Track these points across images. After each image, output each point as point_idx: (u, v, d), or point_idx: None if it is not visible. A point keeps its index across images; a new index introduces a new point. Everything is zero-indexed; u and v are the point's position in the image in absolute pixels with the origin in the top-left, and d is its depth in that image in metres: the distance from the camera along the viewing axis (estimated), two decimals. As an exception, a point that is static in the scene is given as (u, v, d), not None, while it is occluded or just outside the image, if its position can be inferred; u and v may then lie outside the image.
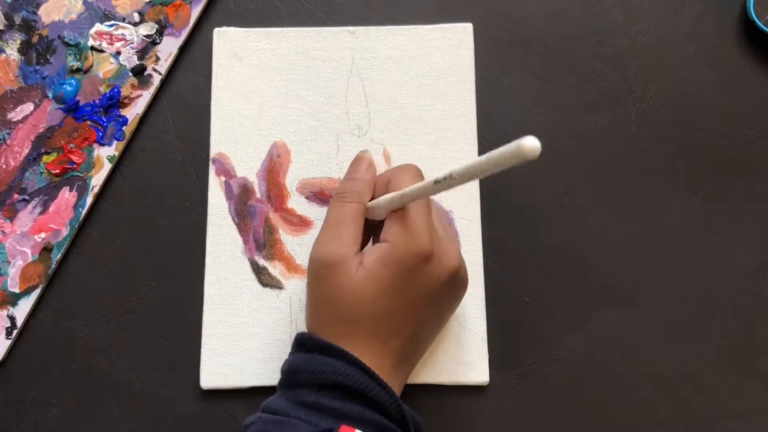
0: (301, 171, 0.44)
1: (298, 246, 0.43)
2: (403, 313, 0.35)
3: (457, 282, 0.37)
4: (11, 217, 0.44)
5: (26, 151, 0.45)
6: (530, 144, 0.27)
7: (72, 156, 0.45)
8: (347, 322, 0.34)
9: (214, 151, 0.45)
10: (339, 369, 0.32)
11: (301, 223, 0.44)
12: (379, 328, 0.34)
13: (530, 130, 0.45)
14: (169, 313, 0.43)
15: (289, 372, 0.34)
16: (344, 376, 0.32)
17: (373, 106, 0.45)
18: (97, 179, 0.44)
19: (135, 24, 0.47)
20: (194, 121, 0.45)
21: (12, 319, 0.43)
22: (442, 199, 0.44)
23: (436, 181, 0.31)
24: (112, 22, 0.47)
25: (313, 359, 0.33)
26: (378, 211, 0.36)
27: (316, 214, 0.44)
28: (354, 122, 0.45)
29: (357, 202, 0.36)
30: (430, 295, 0.35)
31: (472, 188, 0.44)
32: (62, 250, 0.43)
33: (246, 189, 0.44)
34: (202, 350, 0.42)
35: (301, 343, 0.35)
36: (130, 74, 0.46)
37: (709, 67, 0.46)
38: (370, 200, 0.37)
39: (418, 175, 0.37)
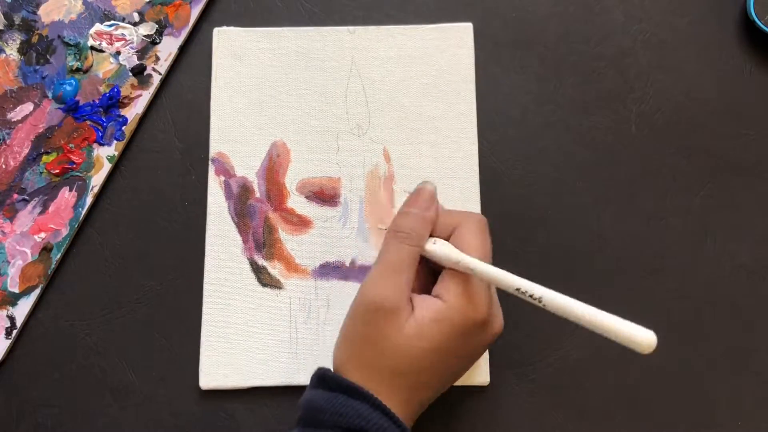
0: (300, 170, 0.44)
1: (298, 246, 0.43)
2: (441, 371, 0.34)
3: (494, 340, 0.36)
4: (11, 217, 0.44)
5: (26, 151, 0.45)
6: (647, 340, 0.27)
7: (72, 156, 0.45)
8: (384, 372, 0.33)
9: (213, 151, 0.45)
10: (364, 413, 0.31)
11: (300, 223, 0.44)
12: (413, 382, 0.33)
13: (530, 130, 0.45)
14: (169, 313, 0.43)
15: (310, 409, 0.32)
16: (369, 422, 0.31)
17: (373, 106, 0.45)
18: (97, 179, 0.44)
19: (135, 24, 0.47)
20: (194, 120, 0.45)
21: (12, 319, 0.43)
22: (442, 199, 0.44)
23: (518, 290, 0.31)
24: (112, 22, 0.47)
25: (335, 399, 0.32)
26: (435, 257, 0.35)
27: (316, 213, 0.44)
28: (354, 122, 0.45)
29: (417, 245, 0.34)
30: (470, 356, 0.35)
31: (472, 188, 0.44)
32: (62, 250, 0.43)
33: (245, 188, 0.44)
34: (202, 350, 0.42)
35: (323, 381, 0.33)
36: (130, 74, 0.46)
37: (709, 67, 0.46)
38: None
39: (483, 232, 0.35)
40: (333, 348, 0.36)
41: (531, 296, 0.30)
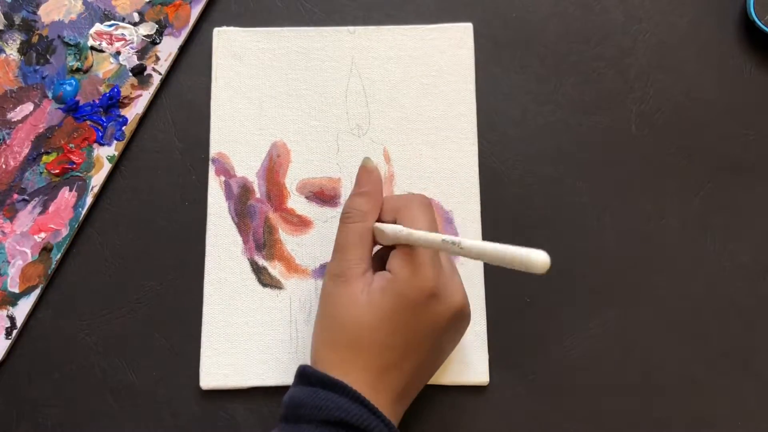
0: (300, 171, 0.44)
1: (298, 246, 0.43)
2: (403, 348, 0.34)
3: (460, 319, 0.36)
4: (11, 217, 0.44)
5: (26, 151, 0.45)
6: (541, 260, 0.27)
7: (72, 156, 0.45)
8: (346, 347, 0.34)
9: (213, 151, 0.45)
10: (342, 405, 0.32)
11: (300, 223, 0.44)
12: (377, 359, 0.34)
13: (530, 130, 0.45)
14: (169, 313, 0.43)
15: (291, 406, 0.33)
16: (347, 413, 0.31)
17: (373, 106, 0.45)
18: (97, 179, 0.44)
19: (135, 24, 0.47)
20: (194, 121, 0.45)
21: (12, 319, 0.43)
22: (443, 199, 0.44)
23: (443, 240, 0.32)
24: (112, 22, 0.47)
25: (315, 394, 0.33)
26: (383, 238, 0.36)
27: (316, 214, 0.44)
28: (354, 122, 0.45)
29: (360, 221, 0.36)
30: (433, 332, 0.35)
31: (472, 188, 0.44)
32: (62, 250, 0.43)
33: (246, 189, 0.44)
34: (202, 350, 0.42)
35: (304, 376, 0.34)
36: (130, 74, 0.46)
37: (709, 67, 0.46)
38: (378, 216, 0.37)
39: (428, 208, 0.36)
40: None
41: (453, 243, 0.31)
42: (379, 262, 0.37)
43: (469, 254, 0.31)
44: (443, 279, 0.35)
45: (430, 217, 0.36)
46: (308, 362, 0.36)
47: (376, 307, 0.34)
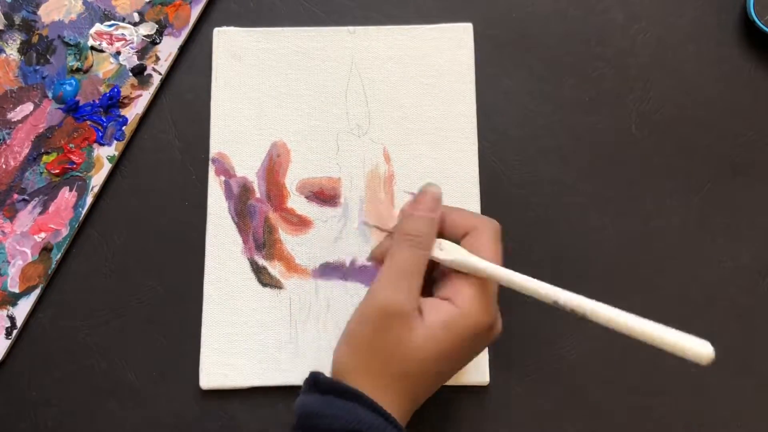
0: (300, 171, 0.44)
1: (298, 246, 0.43)
2: (445, 374, 0.34)
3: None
4: (11, 217, 0.44)
5: (26, 151, 0.45)
6: (705, 353, 0.27)
7: (72, 156, 0.45)
8: (390, 377, 0.32)
9: (213, 151, 0.45)
10: (359, 415, 0.31)
11: (300, 223, 0.44)
12: (417, 386, 0.33)
13: (530, 130, 0.45)
14: (169, 313, 0.43)
15: (305, 415, 0.32)
16: (364, 423, 0.30)
17: (373, 106, 0.45)
18: (97, 179, 0.44)
19: (135, 24, 0.47)
20: (194, 121, 0.45)
21: (12, 319, 0.43)
22: (443, 198, 0.44)
23: (556, 302, 0.31)
24: (112, 22, 0.47)
25: (330, 403, 0.32)
26: (448, 263, 0.34)
27: (316, 214, 0.44)
28: (354, 122, 0.45)
29: (426, 248, 0.34)
30: (474, 356, 0.35)
31: (472, 188, 0.44)
32: (62, 250, 0.43)
33: (246, 189, 0.44)
34: (202, 350, 0.42)
35: (317, 384, 0.33)
36: (130, 74, 0.46)
37: (709, 67, 0.46)
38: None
39: (499, 237, 0.35)
40: (334, 351, 0.35)
41: (572, 311, 0.30)
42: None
43: (601, 322, 0.29)
44: (497, 311, 0.34)
45: (498, 248, 0.34)
46: (314, 363, 0.36)
47: (436, 341, 0.32)
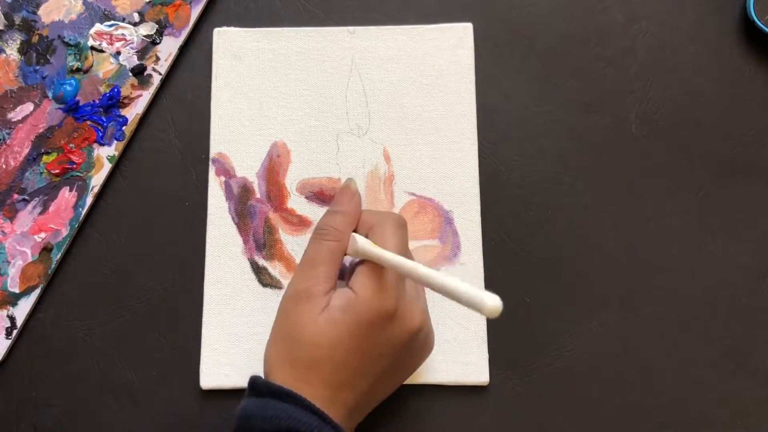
0: (300, 171, 0.44)
1: (298, 246, 0.43)
2: (359, 367, 0.34)
3: (417, 342, 0.36)
4: (11, 217, 0.44)
5: (26, 151, 0.45)
6: (491, 305, 0.28)
7: (72, 156, 0.45)
8: (302, 364, 0.34)
9: (214, 151, 0.45)
10: (293, 414, 0.32)
11: (300, 223, 0.44)
12: (333, 376, 0.34)
13: (530, 130, 0.45)
14: (169, 313, 0.43)
15: (243, 417, 0.33)
16: (298, 422, 0.31)
17: (373, 106, 0.45)
18: (97, 179, 0.44)
19: (135, 24, 0.47)
20: (194, 121, 0.45)
21: (12, 319, 0.43)
22: (443, 199, 0.44)
23: (404, 264, 0.32)
24: (112, 22, 0.47)
25: (266, 404, 0.32)
26: (351, 249, 0.36)
27: (316, 214, 0.44)
28: (354, 122, 0.45)
29: (334, 240, 0.36)
30: (389, 353, 0.35)
31: (472, 188, 0.44)
32: (62, 250, 0.43)
33: (246, 189, 0.44)
34: (202, 350, 0.42)
35: (255, 388, 0.34)
36: (130, 74, 0.46)
37: (709, 67, 0.46)
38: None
39: (401, 229, 0.37)
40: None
41: (412, 269, 0.32)
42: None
43: (425, 284, 0.31)
44: (404, 301, 0.35)
45: (402, 239, 0.36)
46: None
47: (335, 325, 0.33)
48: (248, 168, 0.44)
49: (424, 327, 0.36)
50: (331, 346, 0.33)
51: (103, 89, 0.46)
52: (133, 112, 0.45)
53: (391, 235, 0.35)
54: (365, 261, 0.35)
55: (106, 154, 0.45)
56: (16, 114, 0.45)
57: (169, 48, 0.46)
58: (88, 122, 0.45)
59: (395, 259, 0.33)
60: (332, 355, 0.33)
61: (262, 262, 0.43)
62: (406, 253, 0.37)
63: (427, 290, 0.38)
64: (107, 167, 0.44)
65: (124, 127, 0.45)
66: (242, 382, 0.41)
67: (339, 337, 0.33)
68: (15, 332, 0.42)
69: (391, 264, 0.33)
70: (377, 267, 0.34)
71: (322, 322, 0.34)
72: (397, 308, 0.34)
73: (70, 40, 0.46)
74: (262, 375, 0.36)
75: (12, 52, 0.46)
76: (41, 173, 0.44)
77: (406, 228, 0.37)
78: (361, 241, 0.35)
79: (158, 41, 0.46)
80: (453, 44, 0.46)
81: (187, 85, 0.46)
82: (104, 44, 0.46)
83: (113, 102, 0.45)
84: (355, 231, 0.37)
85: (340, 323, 0.33)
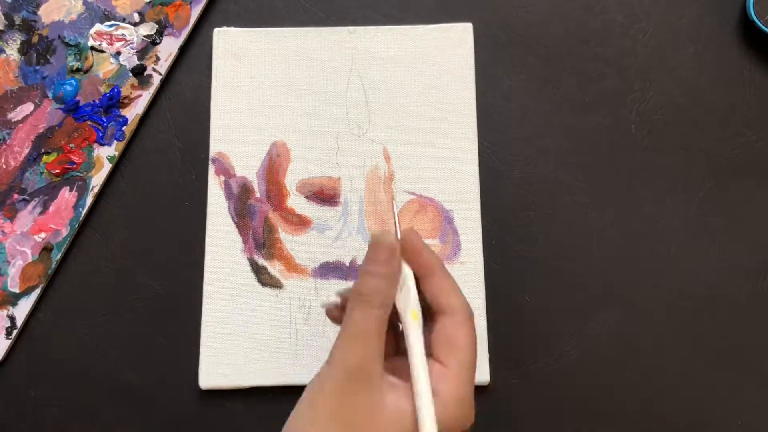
0: (300, 170, 0.44)
1: (298, 245, 0.43)
2: None
3: None
4: (11, 217, 0.44)
5: (26, 151, 0.45)
6: None
7: (72, 156, 0.45)
8: None
9: (213, 151, 0.45)
10: None
11: (300, 223, 0.44)
12: None
13: (530, 130, 0.45)
14: (169, 313, 0.43)
15: None
16: None
17: (373, 106, 0.45)
18: (97, 179, 0.44)
19: (135, 24, 0.47)
20: (194, 121, 0.46)
21: (12, 319, 0.43)
22: (443, 199, 0.44)
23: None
24: (112, 22, 0.47)
25: None
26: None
27: (316, 213, 0.44)
28: (354, 122, 0.45)
29: (383, 305, 0.30)
30: None
31: (472, 188, 0.44)
32: (62, 250, 0.43)
33: (245, 188, 0.44)
34: (201, 350, 0.42)
35: None
36: (130, 74, 0.46)
37: (709, 67, 0.46)
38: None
39: (473, 328, 0.31)
40: (287, 423, 0.30)
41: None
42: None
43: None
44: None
45: (472, 341, 0.31)
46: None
47: (405, 426, 0.29)
48: (248, 167, 0.44)
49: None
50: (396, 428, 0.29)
51: (103, 89, 0.46)
52: (133, 112, 0.45)
53: (462, 336, 0.30)
54: (446, 362, 0.30)
55: (106, 154, 0.45)
56: (17, 114, 0.46)
57: (169, 48, 0.46)
58: (88, 122, 0.45)
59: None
60: None
61: (261, 261, 0.43)
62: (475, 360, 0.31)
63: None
64: (107, 167, 0.44)
65: (124, 127, 0.45)
66: (242, 382, 0.41)
67: None
68: (15, 332, 0.42)
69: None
70: (460, 377, 0.30)
71: (390, 410, 0.29)
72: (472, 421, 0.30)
73: (70, 40, 0.46)
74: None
75: (12, 52, 0.46)
76: (41, 173, 0.44)
77: (474, 327, 0.31)
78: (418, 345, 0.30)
79: (158, 41, 0.46)
80: (453, 44, 0.46)
81: (187, 85, 0.46)
82: (104, 44, 0.46)
83: (113, 102, 0.45)
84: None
85: (411, 427, 0.28)
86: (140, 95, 0.46)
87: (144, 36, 0.46)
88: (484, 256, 0.43)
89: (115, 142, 0.45)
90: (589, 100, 0.46)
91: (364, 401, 0.29)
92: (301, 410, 0.30)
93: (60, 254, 0.43)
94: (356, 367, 0.29)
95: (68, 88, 0.46)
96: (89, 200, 0.44)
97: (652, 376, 0.42)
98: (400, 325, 0.31)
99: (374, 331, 0.30)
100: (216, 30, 0.46)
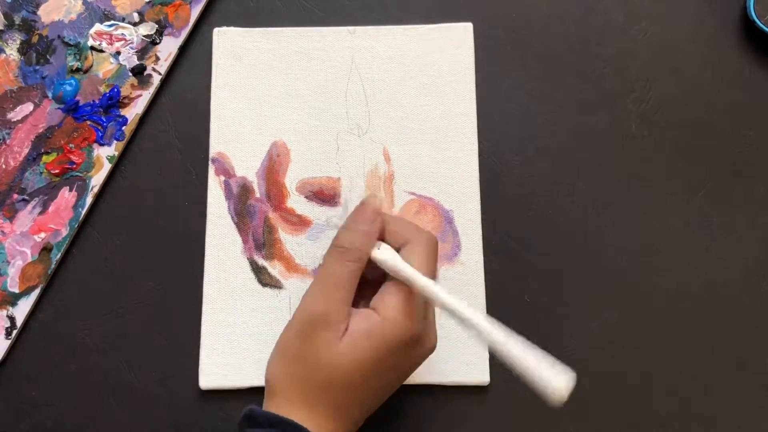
0: (300, 170, 0.44)
1: (298, 246, 0.43)
2: (374, 389, 0.34)
3: (428, 356, 0.36)
4: (11, 217, 0.44)
5: (26, 151, 0.45)
6: (560, 392, 0.27)
7: (72, 156, 0.45)
8: (316, 387, 0.33)
9: (213, 151, 0.45)
10: None
11: (300, 223, 0.44)
12: (346, 397, 0.33)
13: (530, 130, 0.45)
14: (169, 313, 0.43)
15: None
16: None
17: (373, 106, 0.45)
18: (97, 179, 0.44)
19: (135, 24, 0.47)
20: (194, 121, 0.45)
21: (12, 319, 0.43)
22: (443, 199, 0.44)
23: (462, 312, 0.31)
24: (112, 22, 0.47)
25: None
26: (380, 264, 0.34)
27: (316, 213, 0.44)
28: (354, 122, 0.45)
29: (356, 261, 0.34)
30: (403, 372, 0.35)
31: (472, 188, 0.44)
32: (62, 250, 0.43)
33: (245, 188, 0.44)
34: (201, 350, 0.42)
35: (252, 419, 0.33)
36: (130, 74, 0.46)
37: (709, 67, 0.46)
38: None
39: (435, 250, 0.35)
40: (267, 363, 0.35)
41: (465, 318, 0.31)
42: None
43: (467, 326, 0.31)
44: (427, 323, 0.34)
45: (433, 263, 0.34)
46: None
47: (359, 351, 0.32)
48: (248, 167, 0.44)
49: (436, 342, 0.36)
50: (351, 371, 0.32)
51: (103, 89, 0.46)
52: (133, 112, 0.45)
53: (425, 258, 0.34)
54: (392, 280, 0.34)
55: (105, 154, 0.45)
56: (16, 114, 0.45)
57: (169, 48, 0.46)
58: (88, 122, 0.45)
59: (434, 290, 0.32)
60: (349, 379, 0.32)
61: (261, 261, 0.43)
62: (434, 276, 0.35)
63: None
64: (107, 167, 0.44)
65: (123, 127, 0.45)
66: (241, 382, 0.41)
67: (360, 362, 0.32)
68: (15, 332, 0.42)
69: (428, 294, 0.32)
70: (404, 287, 0.33)
71: (344, 348, 0.32)
72: (421, 331, 0.33)
73: (70, 40, 0.46)
74: (261, 380, 0.35)
75: (12, 52, 0.46)
76: (41, 173, 0.44)
77: (437, 249, 0.35)
78: (394, 259, 0.34)
79: (158, 41, 0.46)
80: (453, 44, 0.46)
81: (187, 85, 0.46)
82: (104, 44, 0.46)
83: (113, 102, 0.45)
84: (383, 240, 0.35)
85: (365, 349, 0.32)
86: (140, 95, 0.46)
87: (144, 36, 0.46)
88: (484, 256, 0.43)
89: (115, 142, 0.45)
90: (589, 100, 0.46)
91: (323, 340, 0.32)
92: (274, 351, 0.35)
93: (60, 254, 0.43)
94: (321, 312, 0.33)
95: (68, 88, 0.46)
96: (89, 200, 0.44)
97: (652, 376, 0.42)
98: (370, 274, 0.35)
99: (346, 281, 0.33)
100: (216, 30, 0.46)
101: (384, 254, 0.34)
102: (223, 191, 0.44)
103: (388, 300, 0.33)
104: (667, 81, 0.46)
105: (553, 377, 0.28)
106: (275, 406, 0.33)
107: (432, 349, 0.35)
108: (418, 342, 0.34)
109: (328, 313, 0.33)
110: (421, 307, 0.34)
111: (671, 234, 0.44)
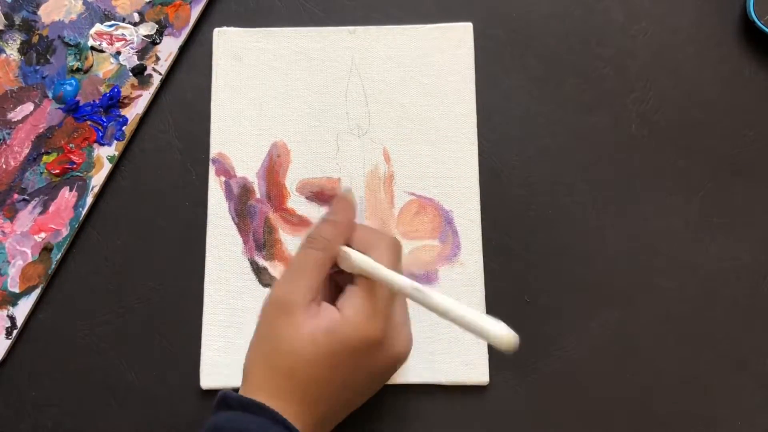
0: (301, 171, 0.44)
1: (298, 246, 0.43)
2: (339, 386, 0.34)
3: (398, 365, 0.36)
4: (11, 217, 0.44)
5: (26, 151, 0.45)
6: (506, 340, 0.28)
7: (72, 156, 0.45)
8: (280, 372, 0.33)
9: (214, 151, 0.45)
10: (262, 425, 0.31)
11: (300, 223, 0.44)
12: (310, 390, 0.33)
13: (530, 130, 0.45)
14: (169, 313, 0.43)
15: (213, 428, 0.32)
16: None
17: (373, 106, 0.45)
18: (97, 179, 0.44)
19: (135, 24, 0.47)
20: (194, 121, 0.45)
21: (12, 319, 0.43)
22: (443, 199, 0.44)
23: (415, 288, 0.32)
24: (112, 22, 0.47)
25: (236, 417, 0.32)
26: (346, 264, 0.35)
27: (316, 214, 0.44)
28: (354, 122, 0.45)
29: (323, 250, 0.35)
30: (370, 375, 0.35)
31: (472, 188, 0.44)
32: (62, 250, 0.43)
33: (246, 189, 0.44)
34: (202, 350, 0.42)
35: (224, 402, 0.33)
36: (130, 74, 0.46)
37: (709, 67, 0.46)
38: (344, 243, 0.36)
39: (397, 251, 0.36)
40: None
41: (422, 294, 0.31)
42: (329, 285, 0.37)
43: (435, 310, 0.31)
44: (391, 328, 0.34)
45: (396, 261, 0.35)
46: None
47: (319, 345, 0.33)
48: (248, 168, 0.44)
49: (407, 352, 0.36)
50: (312, 362, 0.33)
51: (103, 89, 0.46)
52: (133, 112, 0.45)
53: (387, 255, 0.34)
54: (357, 281, 0.34)
55: (106, 154, 0.45)
56: (16, 114, 0.45)
57: (169, 48, 0.46)
58: (88, 122, 0.45)
59: (394, 276, 0.33)
60: (312, 371, 0.33)
61: (262, 262, 0.43)
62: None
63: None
64: (107, 167, 0.44)
65: (124, 127, 0.45)
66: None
67: (320, 356, 0.33)
68: (15, 332, 0.42)
69: (389, 281, 0.33)
70: (368, 289, 0.34)
71: (305, 338, 0.33)
72: (384, 336, 0.34)
73: (70, 40, 0.46)
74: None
75: (12, 52, 0.46)
76: (41, 173, 0.44)
77: (401, 251, 0.36)
78: (358, 257, 0.34)
79: (158, 41, 0.46)
80: (453, 44, 0.46)
81: (187, 85, 0.46)
82: (104, 44, 0.46)
83: (113, 102, 0.45)
84: (349, 246, 0.36)
85: (324, 344, 0.33)
86: (140, 95, 0.46)
87: (144, 36, 0.46)
88: (484, 256, 0.43)
89: (115, 142, 0.45)
90: (589, 100, 0.46)
91: (285, 326, 0.33)
92: (253, 334, 0.36)
93: (60, 254, 0.43)
94: (282, 296, 0.34)
95: (68, 88, 0.46)
96: (89, 200, 0.44)
97: (652, 376, 0.42)
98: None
99: (309, 267, 0.34)
100: (216, 30, 0.46)
101: (352, 252, 0.35)
102: (224, 192, 0.44)
103: (351, 300, 0.34)
104: (667, 81, 0.46)
105: (495, 327, 0.29)
106: (247, 390, 0.34)
107: (401, 355, 0.35)
108: (381, 345, 0.34)
109: (290, 297, 0.34)
110: (382, 309, 0.34)
111: (671, 234, 0.44)
